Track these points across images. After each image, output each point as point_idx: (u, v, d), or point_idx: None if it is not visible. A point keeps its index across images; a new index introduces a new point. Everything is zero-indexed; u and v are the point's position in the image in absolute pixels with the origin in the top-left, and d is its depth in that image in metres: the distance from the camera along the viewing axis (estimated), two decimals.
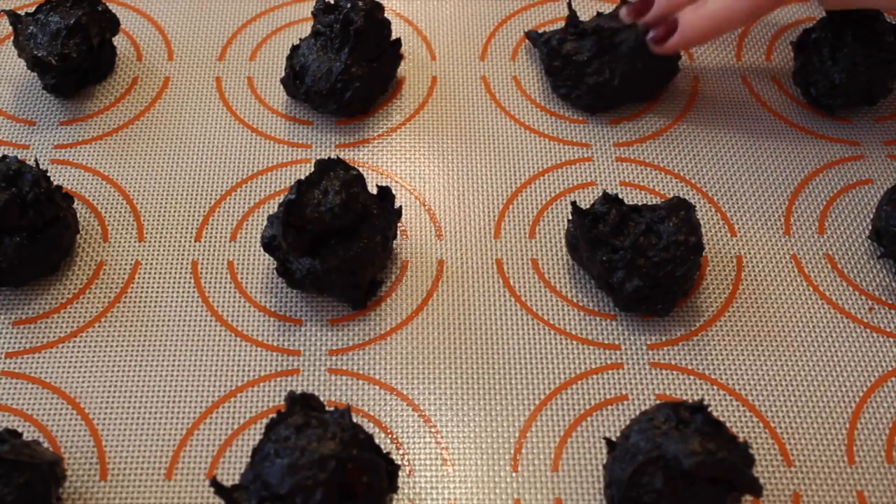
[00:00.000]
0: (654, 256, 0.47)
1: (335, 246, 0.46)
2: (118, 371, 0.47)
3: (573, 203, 0.48)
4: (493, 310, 0.49)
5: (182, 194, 0.53)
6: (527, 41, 0.60)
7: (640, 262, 0.47)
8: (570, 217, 0.49)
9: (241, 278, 0.50)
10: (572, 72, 0.56)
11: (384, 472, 0.41)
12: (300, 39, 0.57)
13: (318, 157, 0.54)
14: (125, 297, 0.49)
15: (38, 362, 0.47)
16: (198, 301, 0.49)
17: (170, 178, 0.54)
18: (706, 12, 0.52)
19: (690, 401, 0.45)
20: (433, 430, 0.45)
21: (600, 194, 0.50)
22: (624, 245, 0.47)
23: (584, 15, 0.59)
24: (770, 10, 0.53)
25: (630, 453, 0.40)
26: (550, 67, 0.57)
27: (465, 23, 0.62)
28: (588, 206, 0.49)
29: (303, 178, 0.46)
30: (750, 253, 0.51)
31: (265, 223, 0.49)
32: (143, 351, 0.48)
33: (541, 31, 0.60)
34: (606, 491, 0.42)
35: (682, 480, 0.39)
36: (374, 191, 0.49)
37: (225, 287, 0.50)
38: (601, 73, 0.55)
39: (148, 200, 0.53)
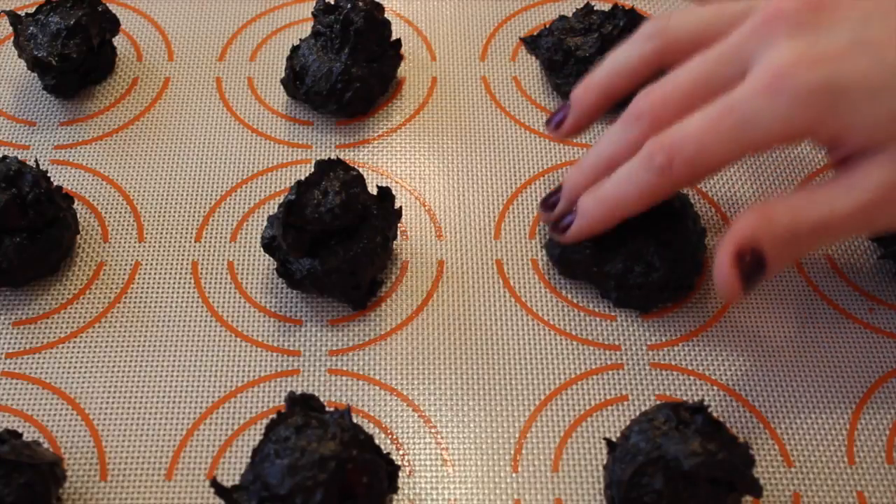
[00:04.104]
0: (661, 234, 0.47)
1: (335, 246, 0.46)
2: (118, 371, 0.47)
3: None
4: (493, 310, 0.49)
5: (182, 194, 0.53)
6: None
7: (649, 252, 0.47)
8: (548, 245, 0.50)
9: (241, 279, 0.50)
10: (574, 68, 0.56)
11: (384, 473, 0.41)
12: (300, 40, 0.57)
13: (319, 158, 0.54)
14: (125, 298, 0.49)
15: (38, 362, 0.47)
16: (198, 301, 0.49)
17: (170, 179, 0.54)
18: (601, 194, 0.45)
19: (691, 401, 0.45)
20: (433, 430, 0.45)
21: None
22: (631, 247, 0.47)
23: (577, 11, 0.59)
24: (665, 195, 0.44)
25: (630, 454, 0.40)
26: (551, 62, 0.57)
27: (465, 23, 0.62)
28: (562, 249, 0.49)
29: (303, 178, 0.46)
30: None
31: (265, 224, 0.49)
32: (143, 351, 0.48)
33: (537, 31, 0.60)
34: (606, 491, 0.42)
35: (682, 481, 0.39)
36: (374, 191, 0.49)
37: (225, 287, 0.50)
38: None
39: (148, 201, 0.53)
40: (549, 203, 0.49)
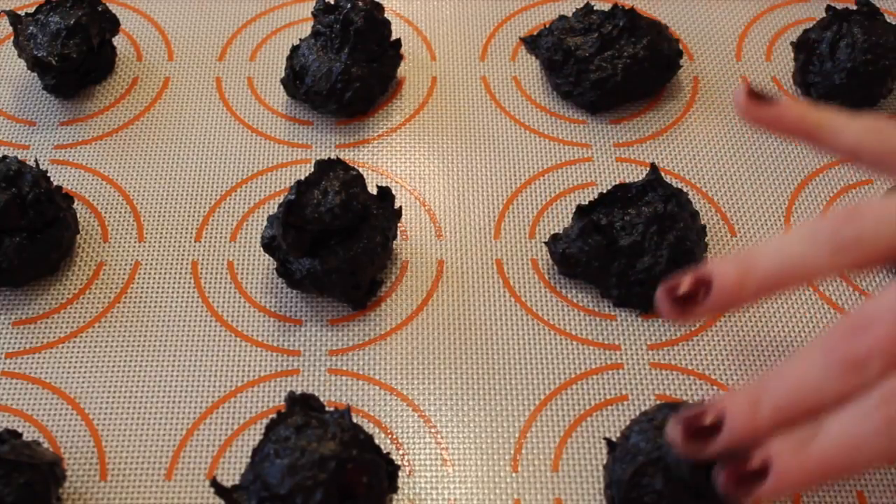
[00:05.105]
0: (662, 231, 0.47)
1: (335, 246, 0.46)
2: (118, 371, 0.47)
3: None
4: (493, 310, 0.49)
5: (182, 194, 0.53)
6: None
7: (650, 244, 0.48)
8: (550, 243, 0.50)
9: (241, 278, 0.50)
10: (574, 67, 0.56)
11: (384, 473, 0.41)
12: (300, 40, 0.57)
13: (318, 158, 0.54)
14: (125, 298, 0.49)
15: (38, 362, 0.47)
16: (198, 301, 0.49)
17: (170, 178, 0.54)
18: (814, 456, 0.34)
19: (691, 401, 0.45)
20: (433, 430, 0.45)
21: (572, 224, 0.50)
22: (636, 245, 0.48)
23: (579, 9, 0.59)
24: None
25: (630, 454, 0.40)
26: (551, 62, 0.57)
27: (465, 23, 0.62)
28: (564, 248, 0.49)
29: (303, 178, 0.46)
30: None
31: (265, 223, 0.49)
32: (143, 351, 0.48)
33: (537, 31, 0.60)
34: (606, 491, 0.42)
35: (682, 481, 0.39)
36: (374, 191, 0.49)
37: (225, 287, 0.50)
38: (604, 70, 0.55)
39: (148, 200, 0.53)
40: (690, 427, 0.35)
